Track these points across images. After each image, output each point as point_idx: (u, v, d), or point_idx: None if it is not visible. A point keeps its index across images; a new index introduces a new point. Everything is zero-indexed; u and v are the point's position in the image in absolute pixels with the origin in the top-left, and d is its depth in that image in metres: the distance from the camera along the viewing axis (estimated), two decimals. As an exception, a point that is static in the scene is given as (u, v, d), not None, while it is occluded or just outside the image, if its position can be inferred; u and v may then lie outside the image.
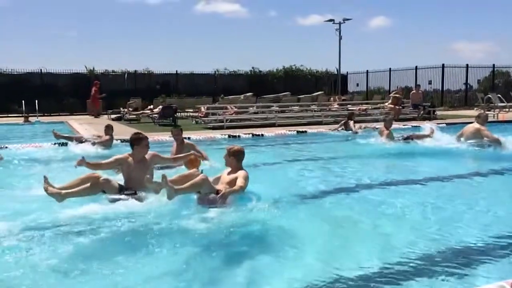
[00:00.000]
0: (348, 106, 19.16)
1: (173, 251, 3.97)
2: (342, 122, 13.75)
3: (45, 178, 5.02)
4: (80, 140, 10.18)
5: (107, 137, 10.03)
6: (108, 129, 10.19)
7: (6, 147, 10.02)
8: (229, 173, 5.41)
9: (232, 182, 5.18)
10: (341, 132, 13.21)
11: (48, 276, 3.46)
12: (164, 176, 4.81)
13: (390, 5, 59.22)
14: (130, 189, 5.34)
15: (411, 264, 3.63)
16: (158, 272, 3.58)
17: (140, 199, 5.18)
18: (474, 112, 17.79)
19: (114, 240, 4.24)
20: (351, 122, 13.25)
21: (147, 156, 5.63)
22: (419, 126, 12.54)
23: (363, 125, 13.75)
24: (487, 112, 17.39)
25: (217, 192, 5.02)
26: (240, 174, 5.24)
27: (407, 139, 10.68)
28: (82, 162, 5.52)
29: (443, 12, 59.75)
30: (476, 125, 9.74)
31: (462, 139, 9.79)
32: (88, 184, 5.17)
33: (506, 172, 7.59)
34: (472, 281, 3.31)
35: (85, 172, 5.62)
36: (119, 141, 10.41)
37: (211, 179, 5.24)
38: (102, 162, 5.81)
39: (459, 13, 58.32)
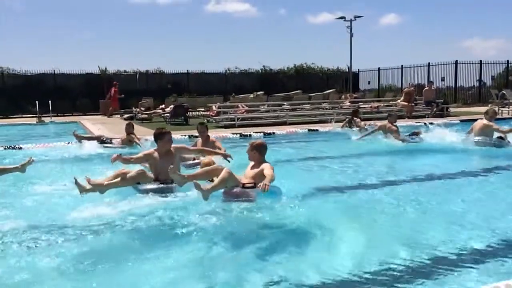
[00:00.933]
0: (360, 103, 19.03)
1: (196, 247, 3.97)
2: (347, 119, 13.64)
3: (76, 179, 5.15)
4: (100, 140, 10.25)
5: (132, 136, 10.07)
6: (129, 127, 10.23)
7: (20, 148, 10.14)
8: (252, 167, 5.44)
9: (256, 176, 5.20)
10: (345, 129, 13.06)
11: (63, 274, 3.48)
12: (197, 184, 4.90)
13: (401, 3, 58.85)
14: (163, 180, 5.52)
15: (418, 262, 3.62)
16: (182, 268, 3.59)
17: (172, 190, 5.36)
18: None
19: (140, 236, 4.28)
20: (357, 120, 13.13)
21: (172, 149, 5.80)
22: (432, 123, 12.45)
23: (367, 122, 13.61)
24: (501, 109, 17.29)
25: (243, 185, 5.06)
26: (266, 166, 5.29)
27: (413, 135, 10.64)
28: (119, 157, 5.67)
29: (454, 9, 59.04)
30: (484, 121, 9.71)
31: (471, 135, 9.76)
32: (126, 177, 5.36)
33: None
34: (480, 280, 3.28)
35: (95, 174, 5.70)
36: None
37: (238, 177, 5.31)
38: (132, 157, 5.99)
39: (471, 10, 57.70)
